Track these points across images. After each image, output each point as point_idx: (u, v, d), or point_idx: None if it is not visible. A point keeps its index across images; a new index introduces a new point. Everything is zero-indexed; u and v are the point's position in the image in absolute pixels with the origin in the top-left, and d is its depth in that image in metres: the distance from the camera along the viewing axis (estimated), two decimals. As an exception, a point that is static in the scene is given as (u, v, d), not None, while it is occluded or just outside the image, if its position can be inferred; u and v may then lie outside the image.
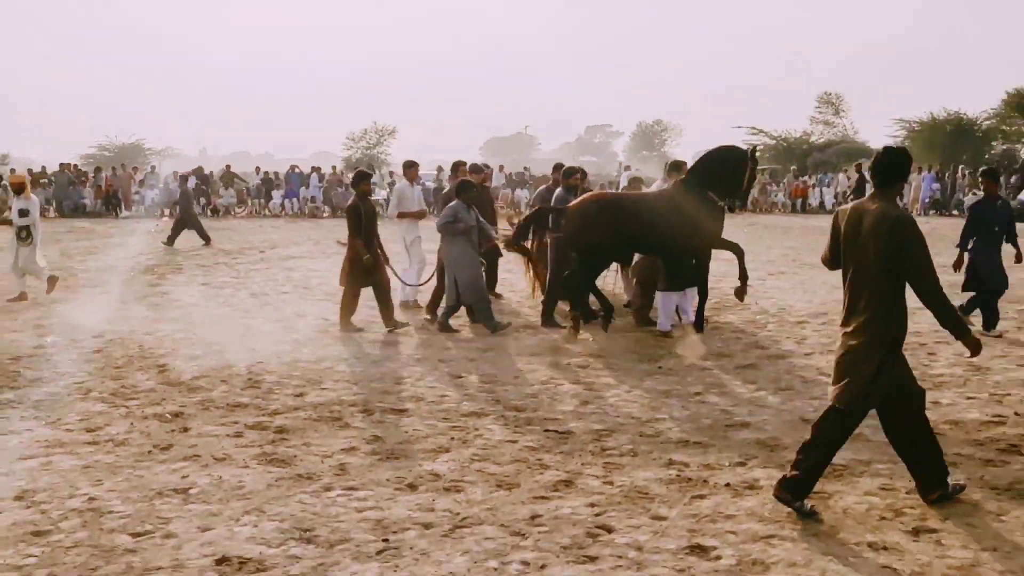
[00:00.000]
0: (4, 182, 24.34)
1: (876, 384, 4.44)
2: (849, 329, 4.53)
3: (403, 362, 8.08)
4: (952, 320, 4.43)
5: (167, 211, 26.22)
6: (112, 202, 29.32)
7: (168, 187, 28.63)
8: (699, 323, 9.17)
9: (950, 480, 4.69)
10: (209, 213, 29.56)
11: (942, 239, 14.96)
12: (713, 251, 9.34)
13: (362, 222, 9.34)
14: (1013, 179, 29.28)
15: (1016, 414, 6.30)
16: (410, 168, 11.51)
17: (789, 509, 4.53)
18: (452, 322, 9.52)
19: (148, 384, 7.26)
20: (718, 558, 4.05)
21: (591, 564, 4.00)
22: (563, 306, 10.32)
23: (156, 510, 4.61)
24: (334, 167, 32.91)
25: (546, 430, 5.99)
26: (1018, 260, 9.18)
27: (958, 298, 8.58)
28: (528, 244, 10.30)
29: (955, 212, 28.24)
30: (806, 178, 34.86)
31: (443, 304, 9.73)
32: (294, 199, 30.45)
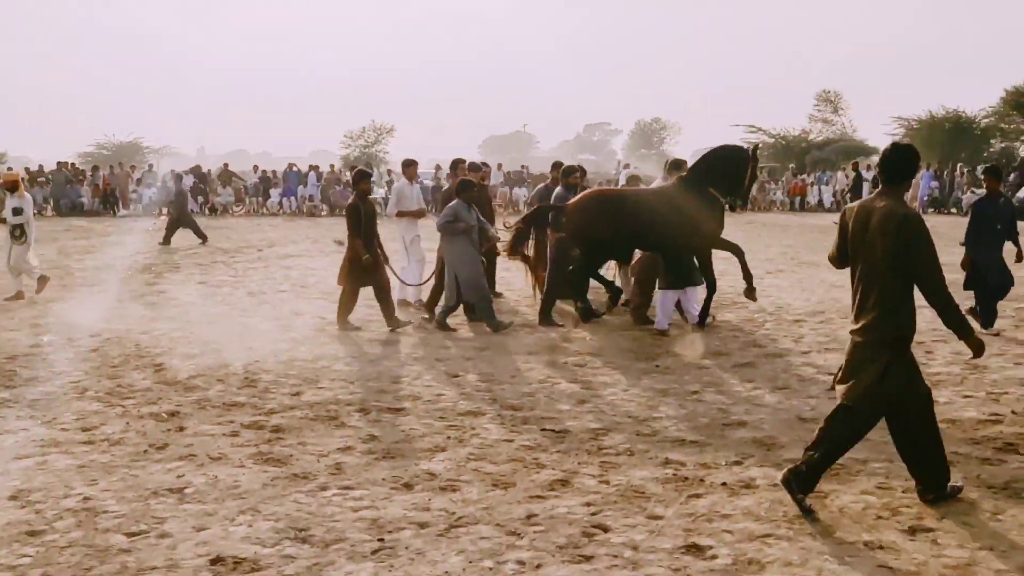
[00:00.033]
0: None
1: (884, 384, 4.43)
2: (858, 327, 4.52)
3: (400, 361, 8.07)
4: (956, 320, 4.43)
5: (164, 210, 26.18)
6: (110, 201, 29.31)
7: (166, 186, 28.52)
8: (704, 316, 9.19)
9: (951, 483, 4.69)
10: (207, 212, 29.58)
11: (941, 237, 14.85)
12: (713, 250, 9.36)
13: (361, 222, 9.33)
14: (1012, 177, 29.27)
15: (1013, 413, 6.30)
16: (409, 167, 11.48)
17: (785, 508, 4.53)
18: (449, 321, 9.51)
19: (144, 383, 7.25)
20: (714, 557, 4.05)
21: (587, 564, 4.00)
22: (561, 305, 10.33)
23: (151, 510, 4.60)
24: (332, 165, 32.89)
25: (543, 429, 5.99)
26: (1019, 259, 9.16)
27: (959, 297, 8.56)
28: (528, 243, 10.32)
29: (953, 210, 28.25)
30: (804, 176, 34.85)
31: (442, 302, 9.73)
32: (292, 198, 30.45)
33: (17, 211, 11.43)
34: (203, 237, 19.16)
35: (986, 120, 39.54)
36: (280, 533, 4.31)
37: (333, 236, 18.71)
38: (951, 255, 9.39)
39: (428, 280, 10.49)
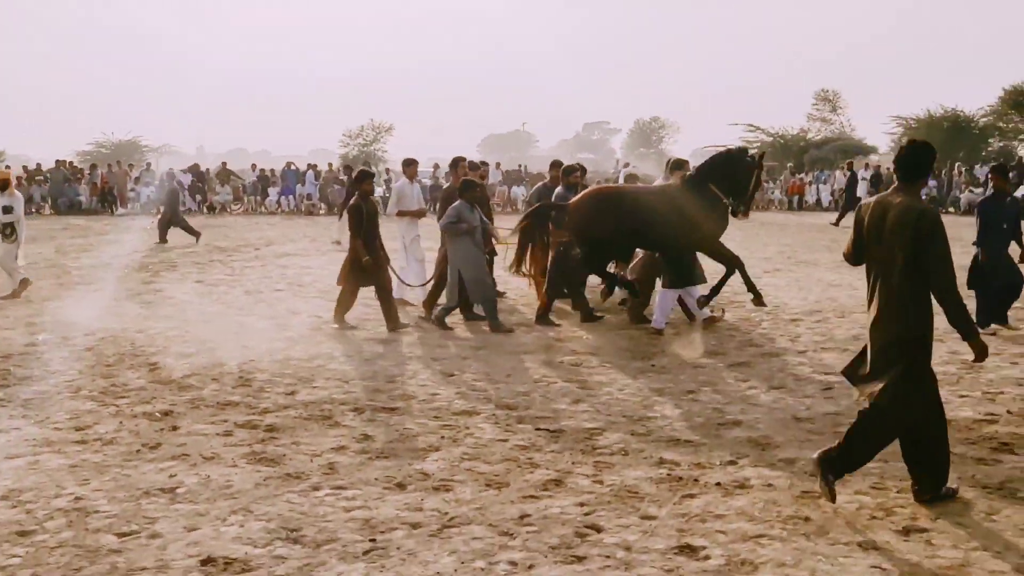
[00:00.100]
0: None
1: (908, 382, 4.41)
2: (877, 326, 4.50)
3: (396, 360, 8.05)
4: (964, 321, 4.42)
5: (162, 208, 26.13)
6: (108, 199, 29.25)
7: (163, 184, 28.56)
8: (712, 294, 9.19)
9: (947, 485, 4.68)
10: (205, 210, 29.55)
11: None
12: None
13: (363, 222, 9.30)
14: (1011, 175, 29.25)
15: (1009, 412, 6.28)
16: (409, 166, 11.43)
17: (779, 509, 4.53)
18: (447, 320, 9.48)
19: (139, 382, 7.23)
20: (707, 558, 4.03)
21: (579, 564, 3.98)
22: (559, 304, 10.31)
23: (142, 510, 4.58)
24: (330, 164, 32.85)
25: (537, 429, 5.97)
26: (1022, 260, 9.12)
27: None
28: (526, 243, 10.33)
29: (951, 209, 28.22)
30: (803, 175, 34.83)
31: (441, 300, 9.73)
32: (290, 196, 30.41)
33: (7, 209, 11.38)
34: (196, 234, 19.08)
35: (984, 119, 39.51)
36: (272, 533, 4.29)
37: (331, 235, 18.74)
38: (955, 255, 9.35)
39: (429, 281, 10.45)
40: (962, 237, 9.52)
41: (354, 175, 10.82)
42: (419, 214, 11.14)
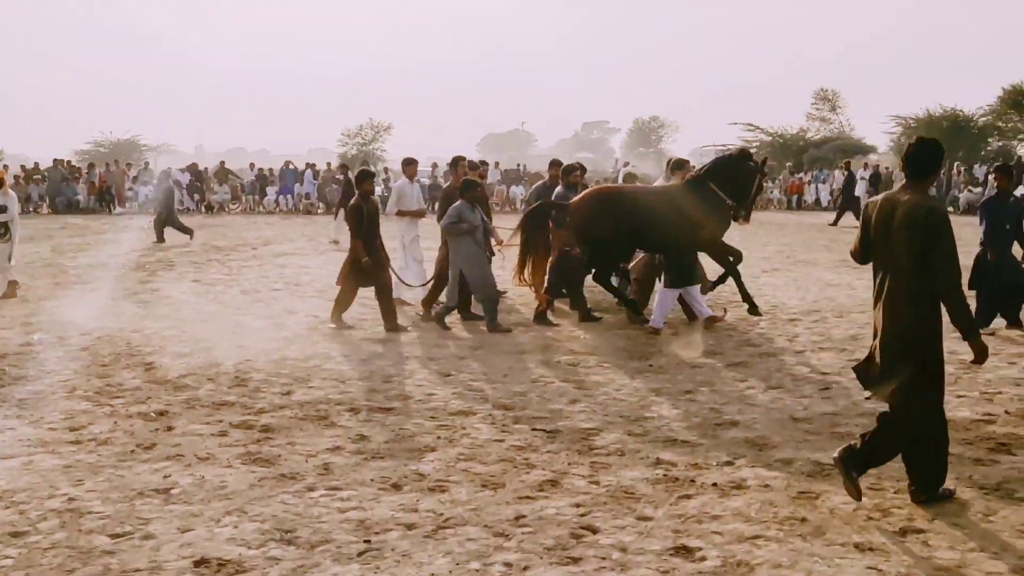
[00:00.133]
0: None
1: (923, 378, 4.41)
2: (885, 325, 4.47)
3: (393, 360, 8.02)
4: (966, 321, 4.40)
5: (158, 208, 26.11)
6: (105, 198, 29.23)
7: (160, 182, 28.51)
8: (718, 282, 9.27)
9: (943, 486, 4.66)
10: (203, 209, 29.52)
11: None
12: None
13: (363, 222, 9.27)
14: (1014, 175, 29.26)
15: (1007, 412, 6.27)
16: (409, 165, 11.39)
17: (775, 510, 4.51)
18: (445, 319, 9.46)
19: (134, 382, 7.20)
20: (703, 559, 4.01)
21: (574, 565, 3.96)
22: (558, 304, 10.29)
23: (136, 511, 4.55)
24: (329, 163, 32.82)
25: (534, 429, 5.95)
26: (1022, 260, 9.10)
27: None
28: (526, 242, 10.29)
29: (951, 209, 28.19)
30: (802, 175, 34.83)
31: (442, 297, 9.71)
32: (288, 195, 30.38)
33: (1, 209, 11.35)
34: (188, 232, 19.05)
35: (983, 119, 39.50)
36: (266, 534, 4.27)
37: (329, 235, 18.71)
38: (959, 254, 9.33)
39: (429, 282, 10.42)
40: (962, 237, 9.40)
41: (354, 175, 10.78)
42: (419, 214, 11.11)
